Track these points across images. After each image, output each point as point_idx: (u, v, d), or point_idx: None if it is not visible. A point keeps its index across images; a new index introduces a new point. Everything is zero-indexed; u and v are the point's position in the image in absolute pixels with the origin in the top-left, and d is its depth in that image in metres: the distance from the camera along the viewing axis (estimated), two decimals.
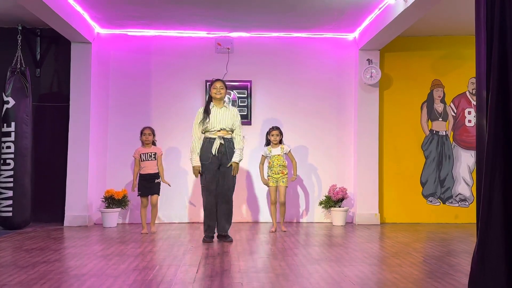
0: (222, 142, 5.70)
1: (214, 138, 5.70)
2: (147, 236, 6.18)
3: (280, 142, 6.73)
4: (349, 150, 7.71)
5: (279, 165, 6.63)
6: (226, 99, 6.40)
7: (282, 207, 6.68)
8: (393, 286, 3.69)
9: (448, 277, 4.01)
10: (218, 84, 5.85)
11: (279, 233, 6.48)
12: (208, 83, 7.44)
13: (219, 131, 5.73)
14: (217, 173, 5.73)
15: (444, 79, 7.87)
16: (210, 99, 5.91)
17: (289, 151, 6.75)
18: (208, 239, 5.71)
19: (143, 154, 6.52)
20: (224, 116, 5.78)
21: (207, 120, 5.72)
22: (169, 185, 6.61)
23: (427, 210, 7.75)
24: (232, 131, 5.83)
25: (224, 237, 5.75)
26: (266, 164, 6.77)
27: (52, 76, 7.61)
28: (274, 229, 6.59)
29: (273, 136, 6.67)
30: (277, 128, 6.73)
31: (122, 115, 7.55)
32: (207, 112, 5.76)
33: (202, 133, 5.81)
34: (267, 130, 6.83)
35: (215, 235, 5.82)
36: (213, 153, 5.66)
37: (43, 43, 7.56)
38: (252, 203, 7.59)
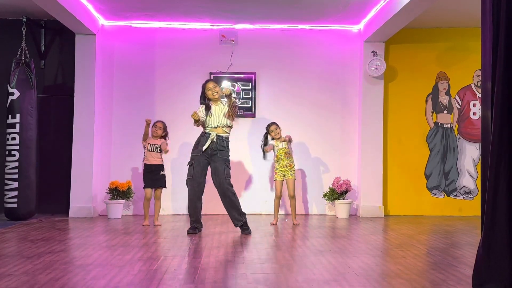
0: (215, 140, 5.70)
1: (209, 134, 5.71)
2: (151, 227, 6.20)
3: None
4: (354, 143, 7.70)
5: (287, 158, 6.60)
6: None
7: (292, 200, 6.65)
8: (396, 278, 3.70)
9: (452, 268, 4.01)
10: (210, 85, 5.83)
11: (282, 224, 6.49)
12: (212, 76, 7.43)
13: (215, 127, 5.74)
14: (206, 168, 5.74)
15: (449, 71, 7.83)
16: (204, 100, 5.86)
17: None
18: (191, 230, 5.72)
19: (150, 144, 6.52)
20: (222, 114, 5.78)
21: (209, 114, 5.73)
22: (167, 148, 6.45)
23: (431, 202, 7.75)
24: (229, 127, 5.82)
25: (242, 228, 5.77)
26: (273, 158, 6.70)
27: (56, 68, 7.62)
28: (275, 221, 6.59)
29: (273, 132, 6.61)
30: (274, 123, 6.66)
31: (127, 107, 7.56)
32: (208, 108, 5.76)
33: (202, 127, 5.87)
34: (266, 127, 6.70)
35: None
36: (204, 149, 5.66)
37: (47, 35, 7.57)
38: (255, 195, 7.59)
